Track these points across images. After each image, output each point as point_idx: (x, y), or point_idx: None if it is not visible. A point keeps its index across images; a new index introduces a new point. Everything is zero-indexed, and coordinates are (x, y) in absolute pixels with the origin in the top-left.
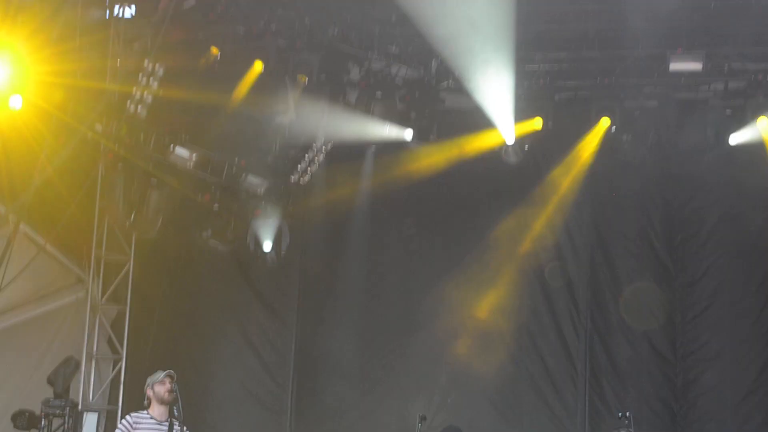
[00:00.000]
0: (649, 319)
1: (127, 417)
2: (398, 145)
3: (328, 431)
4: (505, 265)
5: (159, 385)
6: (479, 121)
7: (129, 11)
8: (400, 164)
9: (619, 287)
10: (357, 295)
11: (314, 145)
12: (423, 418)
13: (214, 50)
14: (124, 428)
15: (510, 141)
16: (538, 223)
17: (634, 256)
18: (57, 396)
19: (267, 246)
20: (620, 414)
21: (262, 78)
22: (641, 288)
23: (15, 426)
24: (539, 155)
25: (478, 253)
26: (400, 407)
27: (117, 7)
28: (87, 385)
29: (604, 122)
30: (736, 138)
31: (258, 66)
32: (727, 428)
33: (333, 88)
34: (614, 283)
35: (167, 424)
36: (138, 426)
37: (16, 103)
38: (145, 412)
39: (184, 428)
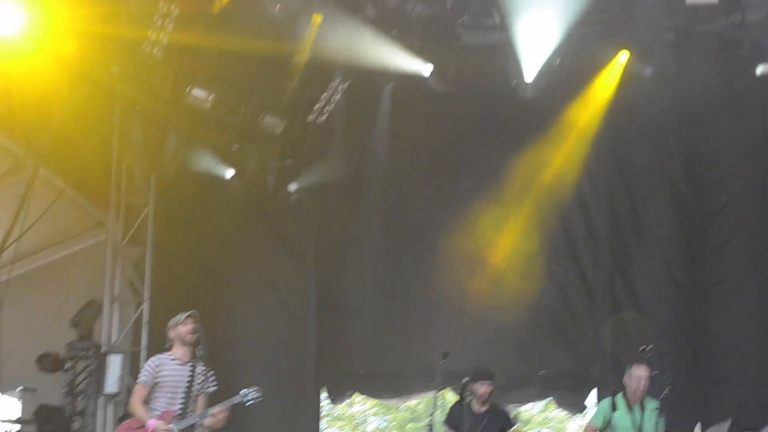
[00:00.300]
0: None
1: (151, 360)
2: (416, 83)
3: (350, 368)
4: (524, 201)
5: (181, 326)
6: (496, 58)
7: None
8: (417, 102)
9: (638, 220)
10: (376, 234)
11: (331, 84)
12: (446, 355)
13: None
14: (147, 371)
15: (528, 78)
16: (557, 159)
17: (653, 189)
18: (81, 338)
19: (292, 186)
20: (642, 348)
21: (276, 18)
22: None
23: (40, 368)
24: (557, 91)
25: (496, 190)
26: (422, 344)
27: None
28: (110, 328)
29: (622, 56)
30: (759, 69)
31: (272, 6)
32: (750, 360)
33: (348, 26)
34: (633, 215)
35: (190, 365)
36: (162, 368)
37: (30, 48)
38: (168, 354)
39: (208, 369)
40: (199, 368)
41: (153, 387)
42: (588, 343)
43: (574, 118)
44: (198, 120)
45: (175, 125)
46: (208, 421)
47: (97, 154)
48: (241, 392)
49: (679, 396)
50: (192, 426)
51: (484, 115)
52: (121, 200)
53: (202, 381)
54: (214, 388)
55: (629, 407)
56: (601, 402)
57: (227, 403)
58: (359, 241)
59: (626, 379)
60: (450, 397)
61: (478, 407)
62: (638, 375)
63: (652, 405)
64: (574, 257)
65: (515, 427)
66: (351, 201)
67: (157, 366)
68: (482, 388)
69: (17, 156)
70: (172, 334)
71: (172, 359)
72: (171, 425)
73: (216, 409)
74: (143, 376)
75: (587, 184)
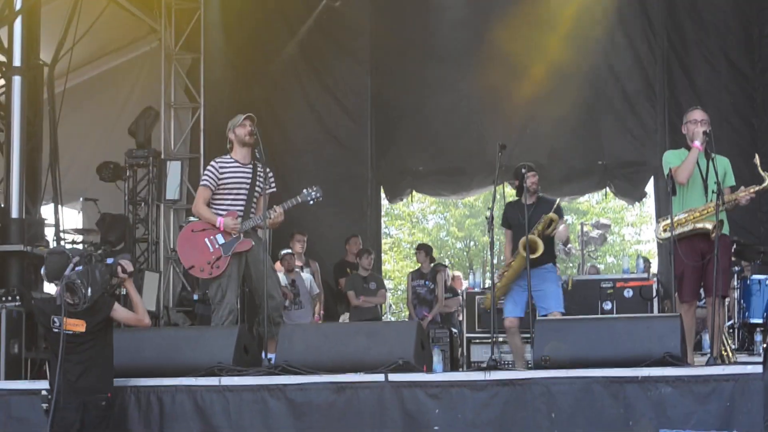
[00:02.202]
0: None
1: (213, 163)
2: None
3: (407, 167)
4: None
5: (240, 128)
6: None
7: None
8: None
9: (694, 4)
10: (430, 32)
11: None
12: (503, 148)
13: None
14: (211, 174)
15: None
16: None
17: None
18: (139, 146)
19: None
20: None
21: None
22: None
23: (101, 178)
24: None
25: None
26: (479, 139)
27: None
28: (168, 135)
29: None
30: None
31: None
32: None
33: None
34: (690, 2)
35: (251, 166)
36: (224, 170)
37: None
38: (229, 156)
39: (267, 170)
40: (259, 169)
41: (216, 189)
42: (646, 131)
43: None
44: None
45: None
46: (269, 219)
47: None
48: (303, 191)
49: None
50: (255, 226)
51: None
52: (171, 4)
53: (263, 181)
54: (273, 188)
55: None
56: (666, 153)
57: (290, 203)
58: (413, 41)
59: (684, 128)
60: (508, 191)
61: (528, 200)
62: (694, 118)
63: (721, 161)
64: (632, 46)
65: (551, 214)
66: (400, 6)
67: (220, 167)
68: (528, 179)
69: None
70: (231, 135)
71: (233, 161)
72: (235, 219)
73: (279, 208)
74: (206, 179)
75: None
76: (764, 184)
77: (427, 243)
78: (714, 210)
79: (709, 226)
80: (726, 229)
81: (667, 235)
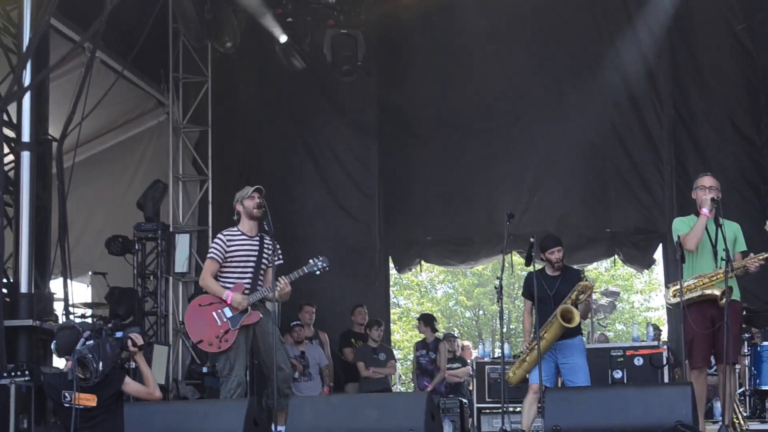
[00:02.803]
0: (732, 105)
1: (220, 235)
2: None
3: (416, 237)
4: (583, 58)
5: (248, 200)
6: None
7: None
8: None
9: (701, 73)
10: (436, 103)
11: None
12: (511, 216)
13: None
14: (219, 246)
15: None
16: (614, 14)
17: (713, 39)
18: (148, 220)
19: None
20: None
21: None
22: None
23: (110, 252)
24: None
25: (555, 52)
26: (488, 207)
27: None
28: (176, 207)
29: None
30: None
31: None
32: None
33: None
34: (695, 68)
35: (258, 238)
36: (231, 243)
37: None
38: (236, 228)
39: (275, 242)
40: (266, 241)
41: (223, 261)
42: (654, 198)
43: None
44: None
45: None
46: (276, 292)
47: (154, 33)
48: (309, 261)
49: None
50: (262, 298)
51: None
52: (179, 78)
53: (270, 253)
54: (281, 261)
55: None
56: (675, 220)
57: (297, 273)
58: (419, 110)
59: (694, 194)
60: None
61: (551, 272)
62: (702, 185)
63: (731, 226)
64: (638, 114)
65: (585, 281)
66: (408, 68)
67: (227, 240)
68: (554, 255)
69: (74, 40)
70: (239, 207)
71: (240, 234)
72: (246, 295)
73: (285, 279)
74: (214, 251)
75: (648, 37)
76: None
77: (429, 313)
78: (723, 276)
79: (717, 292)
80: (737, 295)
81: (677, 300)
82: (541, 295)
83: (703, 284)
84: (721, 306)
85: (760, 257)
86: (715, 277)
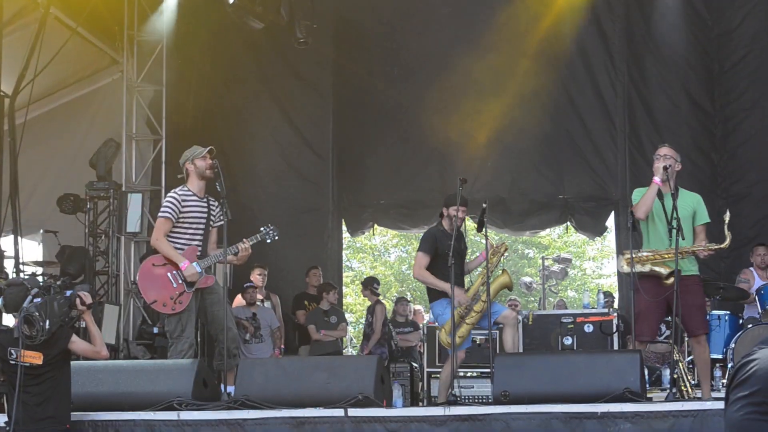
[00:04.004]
0: (685, 72)
1: (173, 194)
2: None
3: (369, 200)
4: (539, 27)
5: (200, 161)
6: None
7: None
8: None
9: (654, 39)
10: (391, 67)
11: None
12: (464, 182)
13: None
14: (173, 205)
15: None
16: None
17: (669, 7)
18: (100, 178)
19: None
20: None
21: None
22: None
23: (61, 210)
24: None
25: (509, 17)
26: (441, 172)
27: None
28: (129, 167)
29: None
30: None
31: None
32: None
33: None
34: (649, 35)
35: (206, 199)
36: (185, 202)
37: None
38: (186, 188)
39: (224, 201)
40: (212, 202)
41: (176, 221)
42: (607, 166)
43: None
44: None
45: None
46: (230, 257)
47: None
48: (261, 230)
49: None
50: (217, 261)
51: None
52: (134, 37)
53: (215, 215)
54: (222, 221)
55: (659, 195)
56: (635, 190)
57: (251, 240)
58: (373, 72)
59: (655, 163)
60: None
61: (449, 229)
62: (658, 153)
63: (691, 198)
64: (592, 81)
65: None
66: (362, 37)
67: (182, 199)
68: (458, 213)
69: None
70: (189, 167)
71: (192, 194)
72: (194, 264)
73: (247, 241)
74: (168, 210)
75: (603, 4)
76: (723, 245)
77: (371, 276)
78: (681, 255)
79: (664, 272)
80: (696, 269)
81: (629, 270)
82: (444, 251)
83: (655, 260)
84: (666, 285)
85: (711, 247)
86: (667, 254)
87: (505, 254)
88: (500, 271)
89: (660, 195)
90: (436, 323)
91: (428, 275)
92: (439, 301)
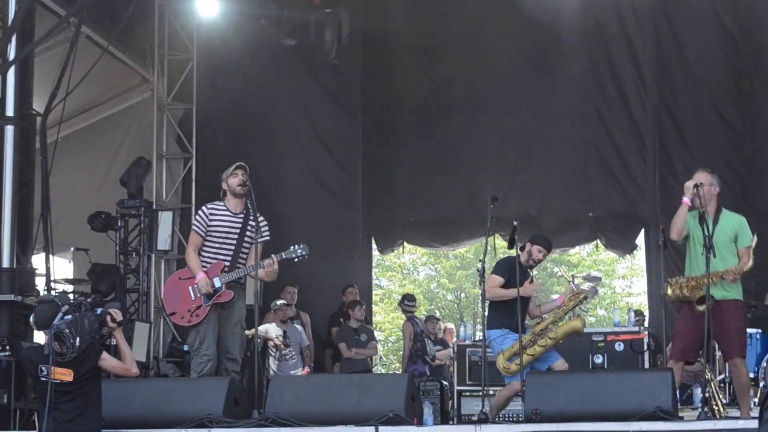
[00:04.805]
0: (715, 90)
1: (203, 208)
2: None
3: (398, 217)
4: (567, 42)
5: (231, 178)
6: None
7: None
8: None
9: (685, 58)
10: (421, 85)
11: None
12: (494, 199)
13: None
14: (201, 219)
15: None
16: (600, 3)
17: (699, 26)
18: (131, 196)
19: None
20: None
21: None
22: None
23: (92, 228)
24: None
25: (540, 36)
26: (471, 189)
27: None
28: (160, 185)
29: None
30: None
31: None
32: None
33: None
34: (680, 53)
35: (242, 215)
36: (213, 217)
37: None
38: (221, 203)
39: (260, 219)
40: (251, 219)
41: (206, 235)
42: (637, 183)
43: None
44: None
45: None
46: (259, 273)
47: (140, 9)
48: (290, 248)
49: None
50: (239, 278)
51: None
52: (164, 55)
53: (254, 231)
54: (267, 237)
55: (699, 217)
56: None
57: (275, 258)
58: (404, 91)
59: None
60: (499, 242)
61: (526, 264)
62: (697, 178)
63: (732, 220)
64: (622, 98)
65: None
66: (392, 55)
67: (210, 213)
68: (540, 254)
69: (59, 15)
70: (223, 185)
71: (225, 209)
72: (215, 279)
73: (275, 257)
74: (196, 224)
75: (633, 21)
76: (747, 267)
77: (408, 293)
78: (713, 280)
79: (694, 297)
80: (734, 293)
81: (670, 293)
82: (514, 282)
83: (690, 286)
84: (697, 312)
85: (735, 270)
86: (702, 281)
87: (584, 302)
88: (575, 315)
89: (701, 218)
90: (490, 348)
91: (500, 289)
92: (500, 330)
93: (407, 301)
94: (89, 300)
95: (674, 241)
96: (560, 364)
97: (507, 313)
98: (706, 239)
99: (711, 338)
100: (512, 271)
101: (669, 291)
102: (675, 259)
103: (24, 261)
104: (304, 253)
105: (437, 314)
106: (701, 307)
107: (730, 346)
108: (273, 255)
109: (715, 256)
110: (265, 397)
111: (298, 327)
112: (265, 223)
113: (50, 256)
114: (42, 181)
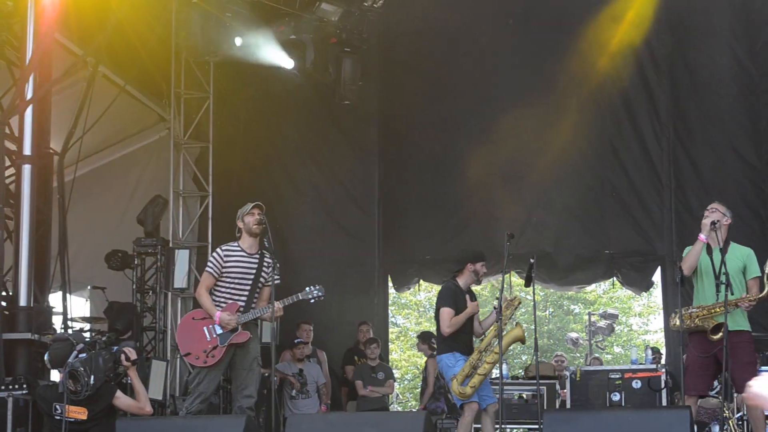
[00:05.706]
0: (732, 129)
1: (218, 249)
2: None
3: (414, 256)
4: (585, 81)
5: (248, 217)
6: None
7: None
8: None
9: (700, 96)
10: (436, 124)
11: None
12: (511, 237)
13: None
14: (215, 261)
15: None
16: (616, 39)
17: (715, 64)
18: (148, 235)
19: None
20: (711, 222)
21: None
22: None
23: (109, 266)
24: None
25: (554, 71)
26: (486, 227)
27: None
28: (176, 223)
29: None
30: None
31: None
32: None
33: None
34: (695, 90)
35: (257, 256)
36: (228, 258)
37: None
38: (236, 244)
39: (275, 260)
40: (266, 259)
41: (220, 276)
42: (653, 220)
43: None
44: (254, 7)
45: (232, 15)
46: (266, 314)
47: (156, 49)
48: (306, 289)
49: None
50: (255, 318)
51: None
52: (180, 94)
53: (268, 272)
54: (278, 281)
55: (707, 248)
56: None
57: (291, 299)
58: (419, 132)
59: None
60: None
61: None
62: (710, 207)
63: (741, 252)
64: (637, 135)
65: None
66: (408, 93)
67: (225, 255)
68: (485, 268)
69: (77, 55)
70: (239, 224)
71: (239, 250)
72: (236, 316)
73: (279, 304)
74: (211, 266)
75: (649, 60)
76: (762, 294)
77: (428, 331)
78: (719, 310)
79: (708, 326)
80: (745, 325)
81: (679, 323)
82: (461, 307)
83: (702, 316)
84: (712, 341)
85: (751, 297)
86: (714, 310)
87: (519, 307)
88: (514, 324)
89: (709, 249)
90: (442, 374)
91: (456, 318)
92: (451, 354)
93: (433, 340)
94: (104, 338)
95: (686, 275)
96: (493, 406)
97: (454, 335)
98: (717, 268)
99: (727, 369)
100: (456, 296)
101: (677, 321)
102: (691, 295)
103: (41, 299)
104: (320, 294)
105: None
106: (716, 336)
107: (744, 380)
108: (285, 298)
109: (730, 290)
110: None
111: (315, 364)
112: (278, 265)
113: (67, 295)
114: (59, 220)
